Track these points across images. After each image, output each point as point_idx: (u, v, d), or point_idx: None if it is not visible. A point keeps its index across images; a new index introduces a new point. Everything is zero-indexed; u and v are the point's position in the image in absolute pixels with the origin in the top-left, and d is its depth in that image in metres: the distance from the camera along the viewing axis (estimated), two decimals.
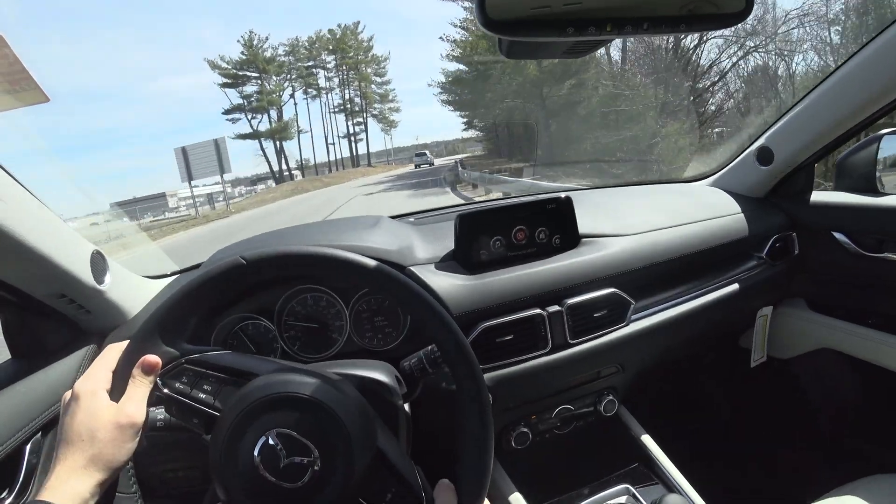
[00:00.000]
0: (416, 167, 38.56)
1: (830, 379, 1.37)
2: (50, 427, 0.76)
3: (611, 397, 1.07)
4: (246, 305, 0.91)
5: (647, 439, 1.07)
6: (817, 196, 1.29)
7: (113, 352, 0.63)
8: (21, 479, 0.71)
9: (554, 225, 1.02)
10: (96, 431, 0.55)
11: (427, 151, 49.31)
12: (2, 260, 0.69)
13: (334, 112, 61.40)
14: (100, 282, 0.85)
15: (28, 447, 0.73)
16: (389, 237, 0.98)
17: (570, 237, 1.03)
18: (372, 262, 0.63)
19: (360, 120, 62.25)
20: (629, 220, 1.12)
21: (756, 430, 1.54)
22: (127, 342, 0.63)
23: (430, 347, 0.70)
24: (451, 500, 0.60)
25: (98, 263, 0.86)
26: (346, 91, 59.98)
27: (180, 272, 1.18)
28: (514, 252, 0.99)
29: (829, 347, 1.31)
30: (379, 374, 0.71)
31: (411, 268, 0.92)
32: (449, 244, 0.99)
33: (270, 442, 0.54)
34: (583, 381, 1.05)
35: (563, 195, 1.02)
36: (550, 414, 1.05)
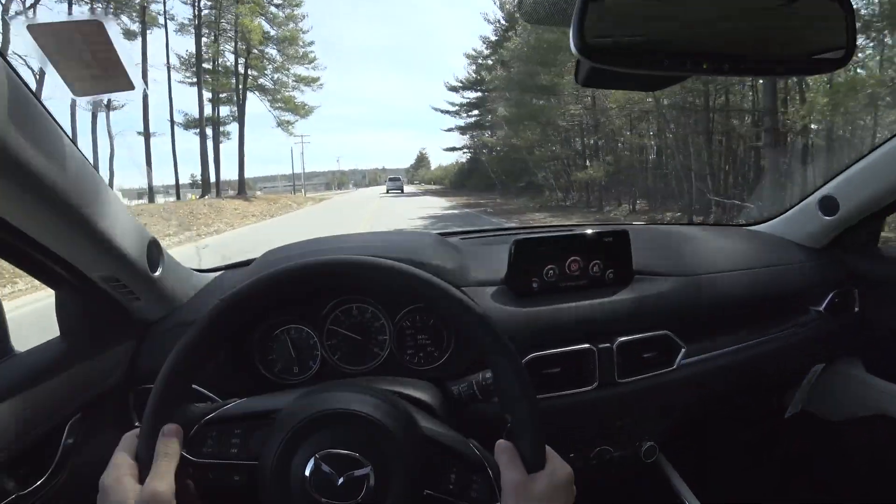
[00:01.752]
0: (387, 191, 39.25)
1: (884, 449, 1.28)
2: (89, 411, 0.77)
3: (651, 442, 1.03)
4: (291, 309, 0.92)
5: (684, 490, 1.02)
6: (884, 250, 1.23)
7: (130, 438, 0.61)
8: (57, 459, 0.72)
9: (609, 258, 1.00)
10: None
11: (400, 177, 49.27)
12: (66, 236, 0.71)
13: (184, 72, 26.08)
14: (153, 270, 0.87)
15: (67, 428, 0.74)
16: (444, 255, 0.98)
17: (624, 272, 1.01)
18: (442, 282, 0.62)
19: (232, 96, 27.38)
20: (684, 260, 1.09)
21: (797, 492, 1.45)
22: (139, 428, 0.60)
23: (481, 374, 0.68)
24: (512, 456, 0.57)
25: (153, 252, 0.88)
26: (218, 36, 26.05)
27: (226, 267, 1.20)
28: (566, 283, 0.97)
29: (886, 415, 1.22)
30: (422, 393, 0.69)
31: (464, 289, 0.91)
32: (500, 268, 0.98)
33: (320, 468, 0.53)
34: (625, 422, 1.01)
35: (620, 229, 1.00)
36: (590, 453, 1.01)
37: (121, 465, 0.58)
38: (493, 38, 28.47)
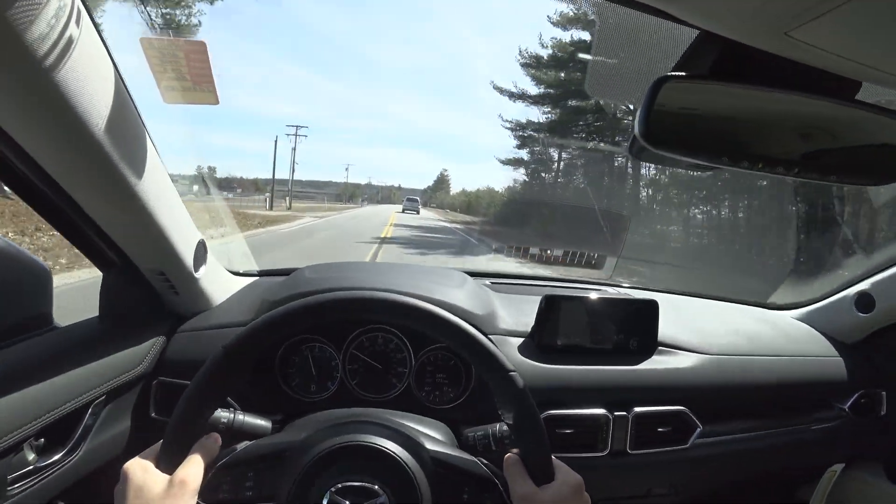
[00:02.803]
0: (402, 210, 39.47)
1: None
2: (112, 396, 0.80)
3: None
4: (318, 328, 0.93)
5: None
6: None
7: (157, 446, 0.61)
8: (76, 437, 0.74)
9: (635, 326, 1.00)
10: (152, 500, 0.54)
11: (417, 198, 49.59)
12: (128, 227, 0.75)
13: None
14: (196, 269, 0.91)
15: (90, 409, 0.76)
16: (475, 300, 0.99)
17: (648, 342, 1.01)
18: (474, 330, 0.62)
19: None
20: (710, 337, 1.08)
21: None
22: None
23: (499, 426, 0.69)
24: (521, 470, 0.59)
25: (200, 252, 0.92)
26: None
27: (260, 273, 1.24)
28: (590, 345, 0.98)
29: None
30: (435, 433, 0.70)
31: (491, 337, 0.92)
32: (527, 319, 0.99)
33: (336, 501, 0.55)
34: (633, 494, 0.99)
35: (651, 298, 1.00)
36: None
37: (147, 454, 0.60)
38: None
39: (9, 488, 0.62)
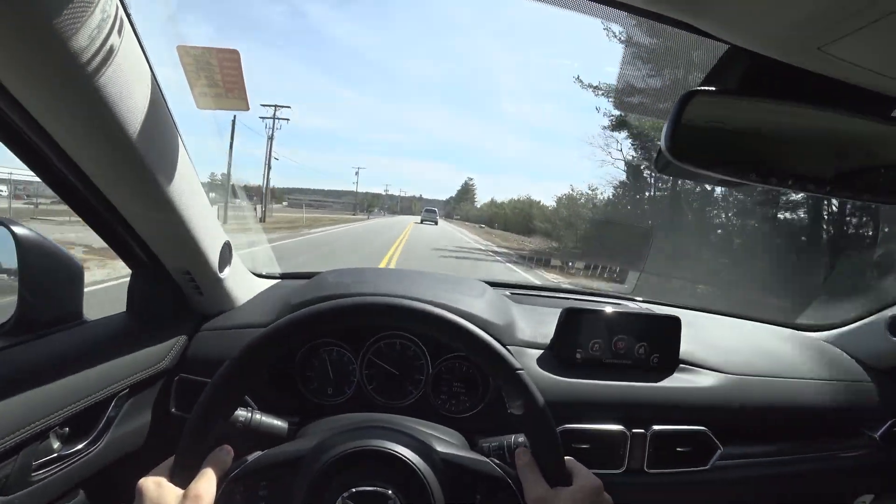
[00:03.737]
0: (421, 221, 42.53)
1: None
2: (135, 390, 0.82)
3: None
4: (337, 332, 0.94)
5: None
6: None
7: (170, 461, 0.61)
8: (99, 428, 0.76)
9: (656, 343, 0.98)
10: None
11: (436, 210, 52.93)
12: (159, 229, 0.78)
13: None
14: (221, 270, 0.93)
15: (113, 402, 0.78)
16: (494, 310, 0.99)
17: (669, 360, 0.99)
18: (480, 332, 0.62)
19: None
20: (734, 356, 1.05)
21: None
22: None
23: (514, 437, 0.69)
24: (534, 472, 0.59)
25: (225, 254, 0.94)
26: None
27: (282, 276, 1.26)
28: (609, 359, 0.97)
29: None
30: (446, 437, 0.70)
31: (510, 347, 0.92)
32: (547, 331, 0.98)
33: None
34: None
35: (673, 315, 0.98)
36: None
37: (160, 469, 0.60)
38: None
39: (33, 474, 0.64)
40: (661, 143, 0.48)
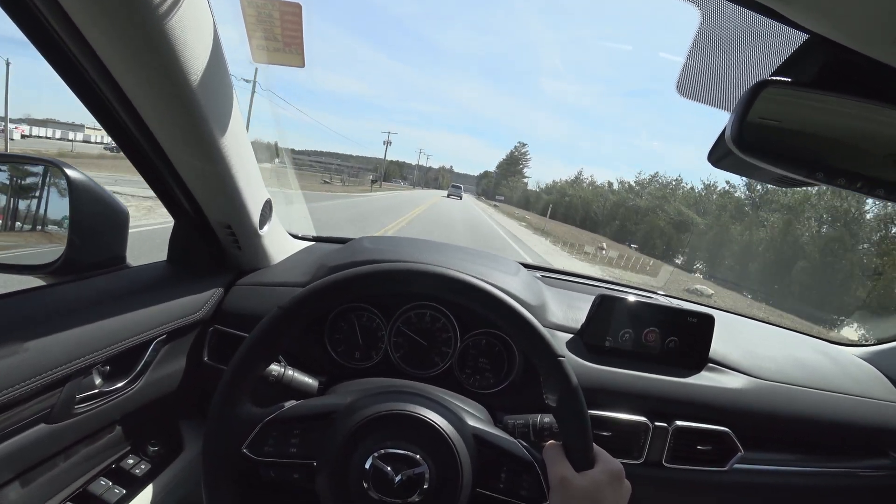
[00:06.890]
0: (447, 195, 47.69)
1: None
2: (172, 336, 0.85)
3: None
4: (370, 298, 0.95)
5: None
6: None
7: None
8: (138, 369, 0.79)
9: (687, 338, 0.97)
10: None
11: (461, 185, 60.27)
12: (206, 181, 0.80)
13: None
14: (261, 227, 0.95)
15: (152, 346, 0.81)
16: (528, 290, 0.99)
17: (698, 357, 0.97)
18: (528, 314, 0.62)
19: None
20: (765, 361, 1.03)
21: None
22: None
23: (540, 417, 0.69)
24: (560, 455, 0.59)
25: (266, 212, 0.96)
26: None
27: (315, 239, 1.28)
28: (638, 350, 0.96)
29: None
30: (476, 412, 0.71)
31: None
32: (578, 316, 0.98)
33: (378, 466, 0.56)
34: None
35: (708, 313, 0.97)
36: None
37: None
38: None
39: (76, 406, 0.68)
40: (727, 132, 0.46)
